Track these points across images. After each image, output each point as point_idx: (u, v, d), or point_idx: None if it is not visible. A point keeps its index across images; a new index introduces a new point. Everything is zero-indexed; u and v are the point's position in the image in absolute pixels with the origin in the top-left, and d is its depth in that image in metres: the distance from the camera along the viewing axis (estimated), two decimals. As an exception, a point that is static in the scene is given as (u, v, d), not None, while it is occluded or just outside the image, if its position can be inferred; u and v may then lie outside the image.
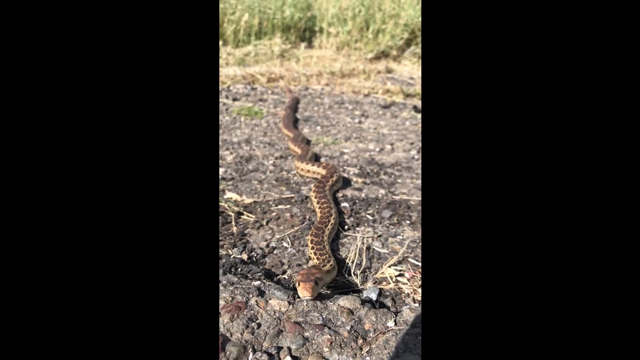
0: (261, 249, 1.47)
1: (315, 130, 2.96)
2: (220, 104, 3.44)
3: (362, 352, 0.98)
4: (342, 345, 1.00)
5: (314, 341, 1.01)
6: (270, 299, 1.13)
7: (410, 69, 4.92)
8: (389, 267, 1.35)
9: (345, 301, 1.13)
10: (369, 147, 2.63)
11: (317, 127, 3.04)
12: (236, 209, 1.73)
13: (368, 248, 1.49)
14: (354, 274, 1.33)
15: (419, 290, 1.23)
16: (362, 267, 1.37)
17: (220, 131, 2.84)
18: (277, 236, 1.55)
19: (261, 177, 2.10)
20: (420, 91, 3.83)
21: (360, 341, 1.01)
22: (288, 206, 1.79)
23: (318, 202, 1.70)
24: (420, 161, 2.38)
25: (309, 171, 2.10)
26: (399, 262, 1.39)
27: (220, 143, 2.60)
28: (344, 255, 1.44)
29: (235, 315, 1.06)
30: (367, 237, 1.56)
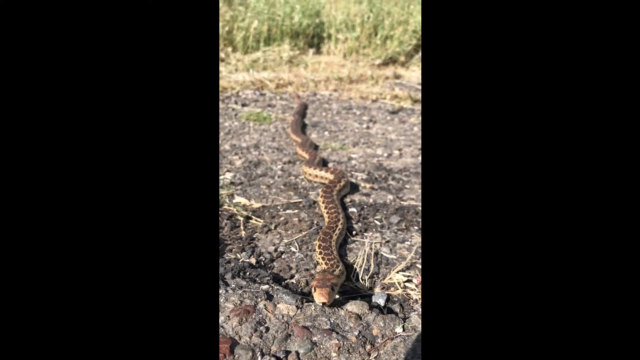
0: (269, 253, 1.48)
1: (323, 136, 2.98)
2: (229, 110, 3.48)
3: (370, 358, 0.98)
4: (350, 351, 0.99)
5: (321, 346, 1.01)
6: (278, 303, 1.14)
7: (419, 74, 4.93)
8: (397, 272, 1.35)
9: (353, 306, 1.13)
10: (377, 153, 2.63)
11: (325, 132, 3.05)
12: (245, 213, 1.74)
13: (376, 253, 1.49)
14: (362, 280, 1.33)
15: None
16: (370, 273, 1.37)
17: (229, 136, 2.87)
18: (285, 241, 1.56)
19: (269, 182, 2.11)
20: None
21: (368, 347, 1.01)
22: (296, 211, 1.80)
23: (326, 207, 1.70)
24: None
25: (316, 176, 2.11)
26: (407, 268, 1.39)
27: (229, 148, 2.62)
28: (351, 261, 1.44)
29: (244, 319, 1.07)
30: (375, 243, 1.56)
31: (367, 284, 1.31)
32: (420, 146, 2.77)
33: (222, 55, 5.04)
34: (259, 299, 1.15)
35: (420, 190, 2.07)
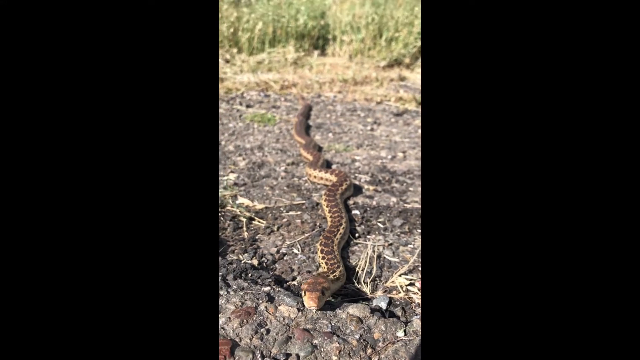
0: (271, 254, 1.48)
1: (327, 137, 2.97)
2: (234, 111, 3.49)
3: (371, 362, 0.97)
4: (351, 354, 0.99)
5: (322, 349, 1.00)
6: (279, 305, 1.14)
7: (424, 77, 4.90)
8: (400, 276, 1.34)
9: (354, 309, 1.13)
10: (381, 155, 2.62)
11: (329, 134, 3.05)
12: (248, 214, 1.74)
13: (379, 256, 1.48)
14: (364, 282, 1.32)
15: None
16: (373, 276, 1.36)
17: (234, 137, 2.87)
18: (288, 242, 1.56)
19: (273, 183, 2.11)
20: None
21: (369, 350, 1.00)
22: (299, 212, 1.80)
23: (329, 209, 1.70)
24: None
25: (321, 178, 2.11)
26: (410, 271, 1.38)
27: (233, 149, 2.63)
28: (354, 263, 1.44)
29: (245, 321, 1.07)
30: (378, 246, 1.55)
31: (369, 287, 1.30)
32: (424, 148, 2.75)
33: (227, 56, 5.06)
34: (260, 301, 1.15)
35: (423, 193, 2.06)
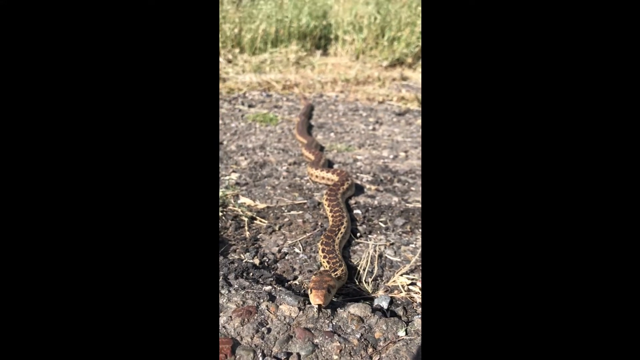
0: (273, 254, 1.48)
1: (329, 137, 2.97)
2: (236, 111, 3.49)
3: (372, 361, 0.97)
4: (352, 353, 0.99)
5: (323, 348, 1.00)
6: (280, 304, 1.14)
7: (426, 76, 4.89)
8: (401, 275, 1.34)
9: (355, 309, 1.13)
10: (383, 154, 2.62)
11: (331, 133, 3.05)
12: (249, 214, 1.74)
13: (380, 256, 1.48)
14: (365, 282, 1.32)
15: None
16: (374, 275, 1.36)
17: (236, 137, 2.88)
18: (289, 242, 1.56)
19: (275, 183, 2.11)
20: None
21: (370, 350, 1.00)
22: (300, 212, 1.80)
23: (330, 209, 1.70)
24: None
25: (323, 178, 2.11)
26: (411, 271, 1.37)
27: (235, 149, 2.63)
28: (355, 263, 1.44)
29: (246, 320, 1.07)
30: (379, 245, 1.55)
31: (370, 286, 1.30)
32: (426, 148, 2.75)
33: (229, 56, 5.07)
34: (262, 300, 1.15)
35: (425, 193, 2.05)
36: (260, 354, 0.98)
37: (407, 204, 1.92)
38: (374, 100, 3.93)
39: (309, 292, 1.11)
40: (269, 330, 1.05)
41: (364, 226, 1.70)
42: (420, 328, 1.08)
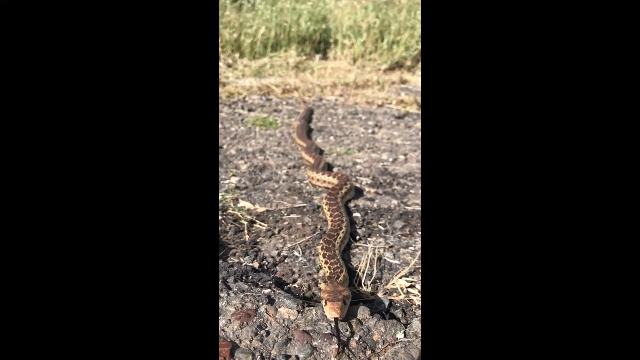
0: (272, 257, 1.48)
1: (328, 141, 2.98)
2: (236, 115, 3.51)
3: (371, 363, 0.97)
4: (350, 356, 0.99)
5: (322, 350, 1.01)
6: (279, 307, 1.14)
7: (425, 79, 4.89)
8: (400, 278, 1.34)
9: (354, 311, 1.13)
10: (382, 158, 2.63)
11: (331, 137, 3.06)
12: (249, 217, 1.75)
13: (379, 259, 1.48)
14: (365, 285, 1.32)
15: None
16: (373, 278, 1.36)
17: (235, 141, 2.89)
18: (289, 245, 1.56)
19: (274, 187, 2.12)
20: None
21: (368, 352, 1.01)
22: (300, 215, 1.80)
23: (330, 212, 1.70)
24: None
25: (322, 181, 2.12)
26: (410, 274, 1.38)
27: (235, 152, 2.64)
28: (354, 266, 1.44)
29: (245, 323, 1.07)
30: (379, 248, 1.55)
31: (369, 289, 1.30)
32: (425, 151, 2.75)
33: (229, 61, 5.09)
34: (261, 303, 1.15)
35: (425, 195, 2.06)
36: (259, 356, 0.99)
37: (406, 207, 1.92)
38: (373, 104, 3.94)
39: (324, 303, 1.07)
40: (268, 333, 1.05)
41: (363, 229, 1.71)
42: (418, 330, 1.08)
